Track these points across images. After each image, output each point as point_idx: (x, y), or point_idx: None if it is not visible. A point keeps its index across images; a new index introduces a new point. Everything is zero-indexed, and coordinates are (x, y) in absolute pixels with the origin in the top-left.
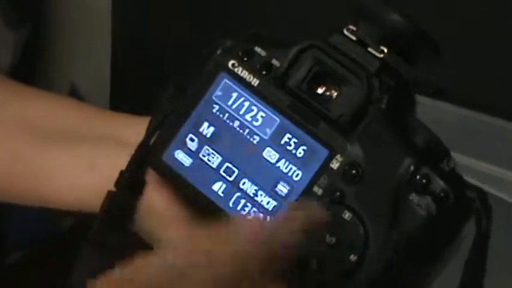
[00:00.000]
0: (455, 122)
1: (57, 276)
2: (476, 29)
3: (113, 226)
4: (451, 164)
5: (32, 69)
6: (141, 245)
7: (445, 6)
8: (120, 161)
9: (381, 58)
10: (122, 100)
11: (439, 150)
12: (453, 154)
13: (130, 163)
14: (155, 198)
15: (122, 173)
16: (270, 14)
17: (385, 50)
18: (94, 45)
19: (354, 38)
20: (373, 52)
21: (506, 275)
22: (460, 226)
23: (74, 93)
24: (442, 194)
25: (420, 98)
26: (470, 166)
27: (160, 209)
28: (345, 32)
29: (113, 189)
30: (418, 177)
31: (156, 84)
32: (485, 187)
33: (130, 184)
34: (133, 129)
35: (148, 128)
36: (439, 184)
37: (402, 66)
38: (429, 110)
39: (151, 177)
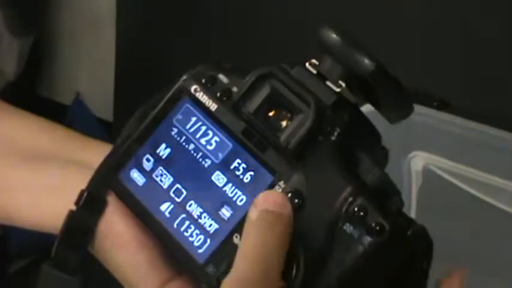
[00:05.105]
0: (456, 132)
1: None
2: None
3: (71, 245)
4: (398, 204)
5: (36, 78)
6: (99, 267)
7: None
8: (84, 183)
9: (338, 92)
10: (125, 109)
11: (387, 189)
12: (453, 164)
13: (90, 182)
14: (113, 219)
15: (81, 192)
16: (270, 18)
17: (343, 85)
18: (98, 54)
19: (314, 71)
20: (331, 86)
21: (506, 286)
22: (398, 264)
23: (78, 102)
24: (377, 228)
25: (424, 109)
26: (470, 176)
27: (117, 230)
28: (307, 65)
29: (74, 208)
30: (355, 208)
31: None
32: (484, 197)
33: (89, 203)
34: (102, 154)
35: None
36: (375, 217)
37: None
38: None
39: (112, 197)
